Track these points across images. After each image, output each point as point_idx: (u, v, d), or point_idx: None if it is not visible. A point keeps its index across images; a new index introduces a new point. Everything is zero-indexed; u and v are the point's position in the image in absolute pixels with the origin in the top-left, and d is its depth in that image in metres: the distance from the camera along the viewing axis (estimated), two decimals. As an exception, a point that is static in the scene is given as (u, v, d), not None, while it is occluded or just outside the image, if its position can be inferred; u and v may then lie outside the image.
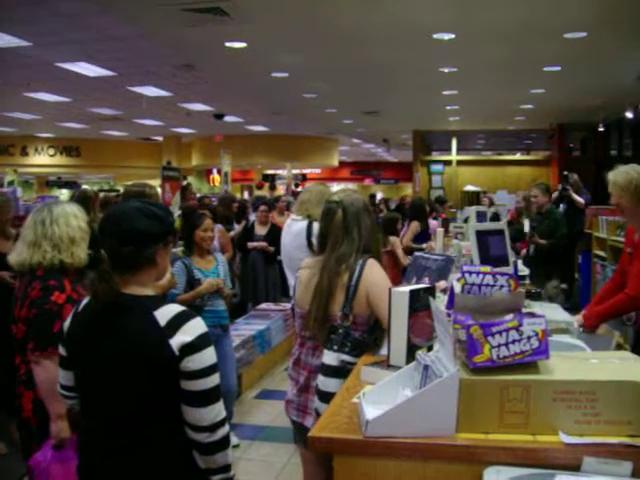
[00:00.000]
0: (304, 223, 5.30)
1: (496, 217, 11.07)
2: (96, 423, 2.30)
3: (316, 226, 5.15)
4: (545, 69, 11.61)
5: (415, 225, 8.74)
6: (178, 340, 2.18)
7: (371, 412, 2.00)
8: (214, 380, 2.24)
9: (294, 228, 5.40)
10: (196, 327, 2.24)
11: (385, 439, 1.94)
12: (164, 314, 2.22)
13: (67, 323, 2.40)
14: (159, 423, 2.24)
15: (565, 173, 11.68)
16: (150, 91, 13.90)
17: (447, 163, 21.73)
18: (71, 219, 3.45)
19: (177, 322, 2.21)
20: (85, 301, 2.37)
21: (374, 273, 3.13)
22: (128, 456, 2.23)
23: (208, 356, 2.23)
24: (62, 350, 2.42)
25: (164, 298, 3.86)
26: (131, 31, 9.07)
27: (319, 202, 5.11)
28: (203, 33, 9.03)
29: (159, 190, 9.74)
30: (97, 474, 2.29)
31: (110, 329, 2.25)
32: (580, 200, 10.56)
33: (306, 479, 3.31)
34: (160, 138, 24.31)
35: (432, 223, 9.91)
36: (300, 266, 3.97)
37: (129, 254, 2.27)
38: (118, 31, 9.04)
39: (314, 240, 5.15)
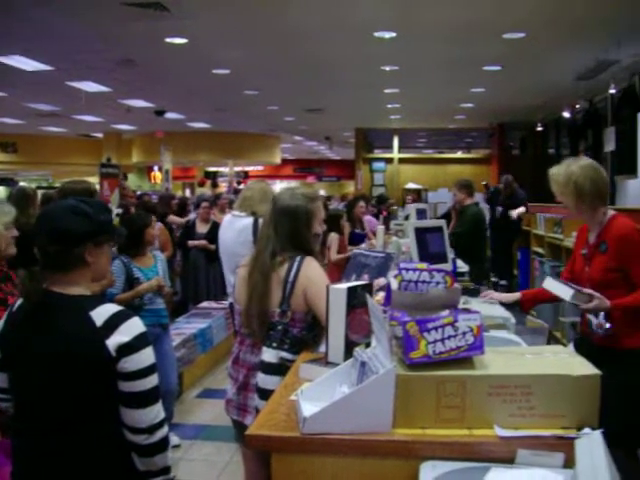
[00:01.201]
0: (249, 219, 5.29)
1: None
2: (32, 425, 2.24)
3: (260, 223, 5.19)
4: (485, 68, 11.78)
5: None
6: (115, 340, 2.14)
7: (308, 409, 1.99)
8: (152, 381, 2.21)
9: (238, 225, 5.38)
10: (133, 327, 2.20)
11: (322, 436, 1.94)
12: (100, 314, 2.18)
13: (0, 324, 2.34)
14: (97, 425, 2.20)
15: (484, 182, 11.84)
16: (89, 86, 13.63)
17: (389, 161, 21.91)
18: None
19: (114, 322, 2.17)
20: (20, 301, 2.32)
21: (311, 270, 3.13)
22: (65, 458, 2.19)
23: (146, 356, 2.20)
24: None
25: (102, 298, 3.79)
26: (69, 24, 8.88)
27: (262, 199, 5.17)
28: (143, 28, 8.92)
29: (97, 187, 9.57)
30: (33, 478, 2.24)
31: (45, 329, 2.20)
32: (513, 216, 10.80)
33: (247, 478, 3.30)
34: (100, 134, 23.92)
35: (371, 221, 9.91)
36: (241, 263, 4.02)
37: (56, 253, 2.23)
38: (56, 24, 8.84)
39: None
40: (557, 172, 3.71)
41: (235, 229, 5.39)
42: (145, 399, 2.20)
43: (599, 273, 3.60)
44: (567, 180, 3.62)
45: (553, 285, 3.63)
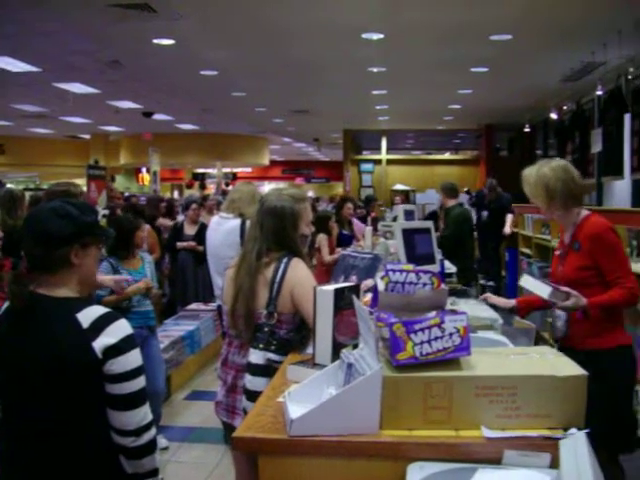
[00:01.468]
0: (236, 221, 5.31)
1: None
2: (20, 429, 2.23)
3: (248, 225, 5.25)
4: (472, 70, 11.82)
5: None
6: (101, 343, 2.14)
7: (295, 411, 1.99)
8: (139, 383, 2.21)
9: (225, 227, 5.40)
10: (120, 329, 2.20)
11: (309, 438, 1.94)
12: (87, 316, 2.17)
13: None
14: (84, 428, 2.19)
15: (465, 189, 11.85)
16: (77, 88, 13.62)
17: (377, 162, 21.94)
18: None
19: (100, 324, 2.17)
20: (7, 304, 2.30)
21: (298, 272, 3.13)
22: (53, 462, 2.17)
23: (133, 359, 2.20)
24: None
25: (89, 299, 3.77)
26: (56, 26, 8.86)
27: (250, 201, 5.21)
28: (130, 29, 8.91)
29: (84, 189, 9.54)
30: None
31: (32, 332, 2.19)
32: (507, 232, 10.86)
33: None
34: (87, 136, 23.85)
35: (357, 224, 9.90)
36: (230, 264, 4.03)
37: (40, 255, 2.23)
38: (43, 25, 8.82)
39: None
40: (529, 174, 3.70)
41: (222, 231, 5.41)
42: (132, 401, 2.19)
43: (573, 272, 3.60)
44: (538, 182, 3.62)
45: (531, 283, 3.64)
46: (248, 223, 5.25)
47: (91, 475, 2.21)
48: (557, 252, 3.87)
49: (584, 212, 3.69)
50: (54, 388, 2.15)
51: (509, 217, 10.95)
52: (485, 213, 11.22)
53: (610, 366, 3.46)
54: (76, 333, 2.14)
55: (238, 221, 5.30)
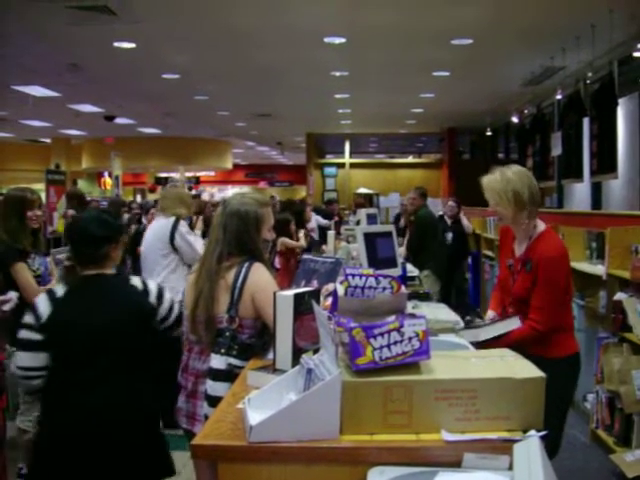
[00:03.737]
0: (167, 220, 5.72)
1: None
2: (93, 374, 2.98)
3: (182, 223, 5.52)
4: (434, 74, 11.89)
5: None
6: (152, 296, 3.24)
7: (255, 417, 1.98)
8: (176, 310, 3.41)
9: (155, 225, 5.92)
10: (155, 286, 3.33)
11: (269, 444, 1.93)
12: (137, 282, 3.26)
13: (45, 312, 3.00)
14: (148, 361, 3.18)
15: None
16: (37, 91, 13.42)
17: (340, 166, 21.96)
18: None
19: (145, 286, 3.26)
20: (62, 290, 3.09)
21: (259, 277, 3.12)
22: (130, 392, 3.07)
23: (166, 304, 3.34)
24: (36, 335, 2.99)
25: None
26: (13, 27, 8.72)
27: (175, 200, 5.86)
28: (90, 32, 8.80)
29: (43, 195, 9.41)
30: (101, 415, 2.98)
31: (110, 297, 3.15)
32: (466, 225, 10.89)
33: (200, 487, 3.26)
34: (48, 140, 23.55)
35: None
36: (159, 261, 5.26)
37: (90, 253, 3.14)
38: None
39: (177, 237, 5.59)
40: (493, 180, 3.50)
41: (152, 229, 5.92)
42: (177, 324, 3.41)
43: (522, 291, 3.50)
44: (507, 188, 3.42)
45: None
46: (181, 222, 5.71)
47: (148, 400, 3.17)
48: (507, 261, 3.69)
49: (541, 226, 3.55)
50: (145, 327, 3.20)
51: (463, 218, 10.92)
52: (450, 235, 10.79)
53: (554, 375, 3.41)
54: (140, 292, 3.22)
55: (167, 220, 5.70)
